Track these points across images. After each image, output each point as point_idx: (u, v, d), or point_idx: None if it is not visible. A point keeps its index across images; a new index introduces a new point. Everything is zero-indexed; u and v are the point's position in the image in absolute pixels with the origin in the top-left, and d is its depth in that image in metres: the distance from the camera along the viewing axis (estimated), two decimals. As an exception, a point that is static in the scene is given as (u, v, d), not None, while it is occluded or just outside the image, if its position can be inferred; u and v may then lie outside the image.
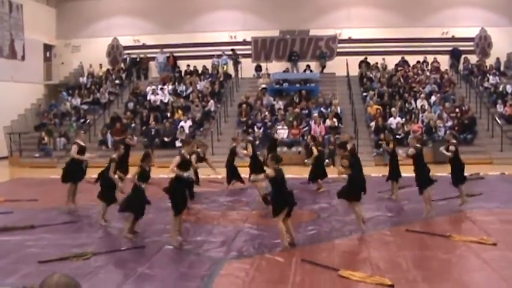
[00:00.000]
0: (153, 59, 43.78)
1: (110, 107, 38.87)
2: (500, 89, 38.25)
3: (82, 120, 37.09)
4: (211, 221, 16.75)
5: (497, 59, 42.57)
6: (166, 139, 33.71)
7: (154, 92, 38.48)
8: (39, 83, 42.22)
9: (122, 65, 44.20)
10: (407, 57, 42.57)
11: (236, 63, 42.74)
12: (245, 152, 22.01)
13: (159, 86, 39.43)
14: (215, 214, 17.89)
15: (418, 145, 18.09)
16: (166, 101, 38.04)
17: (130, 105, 37.93)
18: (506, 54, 43.03)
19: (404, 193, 20.67)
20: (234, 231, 15.25)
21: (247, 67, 42.80)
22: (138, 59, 43.77)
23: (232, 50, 43.07)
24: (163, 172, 25.85)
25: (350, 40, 43.41)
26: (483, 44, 43.79)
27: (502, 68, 42.30)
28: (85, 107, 38.80)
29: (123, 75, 43.08)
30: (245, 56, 43.46)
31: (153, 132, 34.27)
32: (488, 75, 40.52)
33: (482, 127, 34.62)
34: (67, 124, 37.17)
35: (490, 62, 42.67)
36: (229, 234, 14.95)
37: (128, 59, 44.05)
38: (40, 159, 33.96)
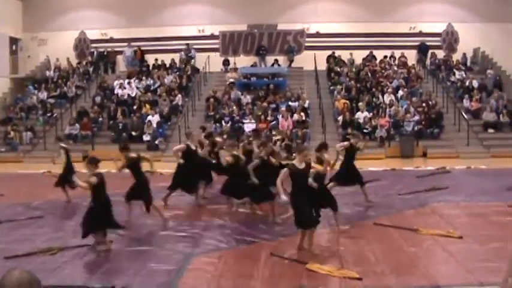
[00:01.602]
0: (120, 52, 43.42)
1: (77, 101, 38.54)
2: (467, 84, 38.54)
3: (49, 114, 36.76)
4: (179, 215, 16.68)
5: (464, 54, 42.89)
6: (133, 133, 33.55)
7: (121, 86, 38.26)
8: (5, 77, 41.73)
9: (89, 59, 43.83)
10: (375, 52, 42.68)
11: (189, 59, 42.53)
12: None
13: (127, 80, 39.19)
14: (184, 208, 17.83)
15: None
16: (133, 95, 37.85)
17: (98, 99, 37.69)
18: (473, 49, 43.35)
19: (371, 187, 20.75)
20: (203, 226, 15.21)
21: (215, 61, 42.61)
22: (105, 53, 43.43)
23: (186, 44, 42.87)
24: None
25: (318, 34, 43.41)
26: (450, 39, 44.05)
27: (468, 63, 42.64)
28: (52, 100, 38.44)
29: (91, 69, 42.75)
30: (213, 50, 43.29)
31: (120, 127, 34.11)
32: (454, 70, 40.81)
33: (448, 121, 34.86)
34: (33, 118, 36.85)
35: (456, 57, 42.93)
36: (198, 228, 14.90)
37: (95, 52, 43.70)
38: (6, 153, 33.59)
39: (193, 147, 18.66)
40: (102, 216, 12.82)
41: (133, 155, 15.77)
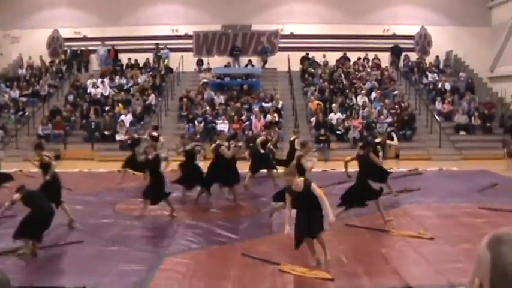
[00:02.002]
0: (94, 51, 43.19)
1: (50, 100, 38.26)
2: (439, 86, 38.81)
3: (21, 113, 36.46)
4: (151, 215, 16.61)
5: (437, 57, 43.21)
6: (106, 132, 33.39)
7: (94, 85, 38.07)
8: (-23, 74, 41.47)
9: (63, 57, 43.55)
10: (348, 54, 42.83)
11: (159, 58, 42.40)
12: None
13: (100, 79, 38.99)
14: (155, 208, 17.76)
15: None
16: (106, 94, 37.67)
17: (70, 98, 37.44)
18: (446, 52, 43.68)
19: (343, 188, 20.81)
20: (175, 226, 15.18)
21: (189, 61, 42.52)
22: (78, 52, 43.19)
23: (156, 44, 42.76)
24: (104, 166, 25.74)
25: (292, 36, 43.47)
26: (423, 42, 44.32)
27: (441, 66, 42.97)
28: (24, 99, 38.13)
29: (64, 68, 42.48)
30: (187, 50, 43.20)
31: (93, 126, 33.93)
32: (427, 72, 41.07)
33: (421, 123, 35.07)
34: (5, 116, 36.49)
35: (429, 59, 43.25)
36: (170, 228, 14.88)
37: (68, 51, 43.44)
38: (-23, 152, 33.31)
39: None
40: (37, 226, 12.37)
41: (46, 154, 15.47)
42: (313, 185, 11.12)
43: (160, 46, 42.80)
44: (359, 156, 16.04)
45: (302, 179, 11.37)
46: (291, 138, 23.35)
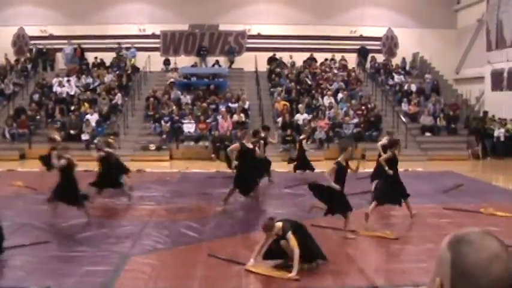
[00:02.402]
0: (60, 50, 42.83)
1: (15, 99, 37.86)
2: (405, 87, 39.10)
3: (-15, 112, 36.14)
4: (116, 215, 16.52)
5: (403, 58, 43.52)
6: (72, 132, 33.09)
7: (60, 84, 37.75)
8: None
9: (28, 56, 43.13)
10: (315, 55, 42.96)
11: (120, 57, 42.20)
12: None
13: (66, 78, 38.67)
14: (121, 208, 17.68)
15: None
16: (72, 93, 37.36)
17: (36, 96, 37.06)
18: (412, 54, 44.03)
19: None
20: (140, 226, 15.09)
21: (156, 61, 42.36)
22: (44, 50, 42.80)
23: (118, 43, 42.56)
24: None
25: (259, 36, 43.52)
26: (390, 43, 44.61)
27: (407, 68, 43.29)
28: (-12, 97, 37.81)
29: (29, 66, 42.07)
30: (154, 49, 43.05)
31: (58, 125, 33.61)
32: (394, 74, 41.32)
33: (387, 124, 35.19)
34: (-30, 115, 36.16)
35: (396, 61, 43.53)
36: (135, 228, 14.79)
37: (34, 49, 43.05)
38: None
39: (249, 146, 18.12)
40: None
41: None
42: (290, 234, 11.01)
43: (127, 45, 42.57)
44: (394, 156, 16.16)
45: (281, 224, 11.29)
46: (300, 137, 23.64)
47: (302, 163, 24.55)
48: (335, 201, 13.99)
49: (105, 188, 18.10)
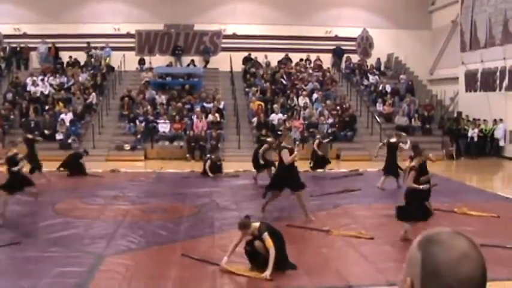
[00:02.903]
0: (34, 49, 42.53)
1: (-12, 98, 37.60)
2: (380, 88, 39.26)
3: (-43, 111, 35.77)
4: (91, 216, 16.40)
5: (378, 59, 43.69)
6: (46, 132, 32.85)
7: (34, 83, 37.48)
8: None
9: (2, 54, 42.74)
10: (290, 55, 43.01)
11: (90, 57, 41.98)
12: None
13: (40, 77, 38.39)
14: (95, 208, 17.56)
15: None
16: (46, 92, 37.10)
17: (9, 96, 36.75)
18: (387, 54, 44.23)
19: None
20: (114, 226, 15.00)
21: (131, 60, 42.17)
22: (18, 49, 42.47)
23: (87, 43, 42.32)
24: (44, 166, 25.30)
25: (234, 36, 43.46)
26: (365, 44, 44.76)
27: (382, 68, 43.46)
28: (-39, 97, 37.44)
29: (3, 65, 41.69)
30: (129, 49, 42.87)
31: (32, 125, 33.35)
32: (368, 74, 41.46)
33: (362, 125, 35.38)
34: None
35: (371, 61, 43.71)
36: (109, 229, 14.70)
37: (7, 48, 42.69)
38: None
39: (289, 147, 17.96)
40: None
41: None
42: (266, 235, 10.98)
43: (101, 45, 42.32)
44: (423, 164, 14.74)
45: (258, 224, 11.26)
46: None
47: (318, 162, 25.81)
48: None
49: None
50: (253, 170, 23.39)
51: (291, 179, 16.26)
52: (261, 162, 22.03)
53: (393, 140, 22.61)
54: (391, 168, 21.84)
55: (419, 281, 2.03)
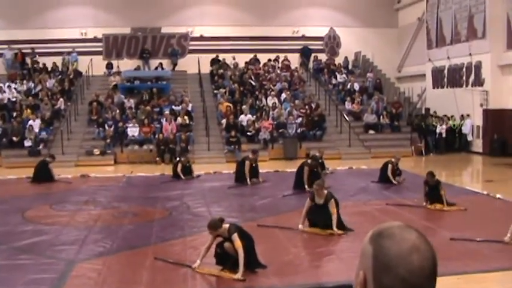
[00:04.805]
0: (0, 55, 42.19)
1: (-46, 106, 37.21)
2: (348, 86, 39.45)
3: None
4: (61, 222, 16.31)
5: (346, 57, 43.91)
6: (14, 139, 32.57)
7: (1, 90, 37.17)
8: None
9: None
10: (259, 56, 43.04)
11: (34, 63, 41.69)
12: None
13: (7, 84, 38.07)
14: (65, 214, 17.47)
15: None
16: (14, 99, 36.80)
17: (-24, 103, 36.50)
18: (354, 53, 44.45)
19: (254, 189, 21.16)
20: (86, 232, 14.92)
21: (98, 65, 41.95)
22: (-17, 55, 42.14)
23: (31, 49, 42.01)
24: (12, 173, 25.19)
25: (202, 38, 43.42)
26: (332, 43, 44.93)
27: (350, 67, 43.61)
28: None
29: (-32, 72, 41.32)
30: (96, 53, 42.64)
31: (0, 132, 33.10)
32: (336, 73, 41.61)
33: (331, 123, 35.52)
34: None
35: (338, 60, 43.88)
36: (81, 234, 14.63)
37: (-27, 55, 42.33)
38: None
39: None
40: None
41: None
42: (235, 236, 11.02)
43: (69, 49, 42.05)
44: None
45: (227, 226, 11.30)
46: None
47: None
48: None
49: None
50: (224, 172, 23.56)
51: None
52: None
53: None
54: None
55: (371, 273, 2.09)
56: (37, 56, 41.97)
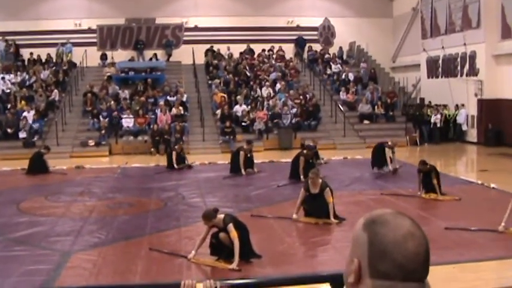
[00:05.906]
0: (-6, 47, 42.08)
1: None
2: (343, 76, 39.42)
3: None
4: (56, 213, 16.31)
5: (340, 48, 43.85)
6: (9, 130, 32.52)
7: (-5, 82, 37.12)
8: None
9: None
10: (253, 46, 42.99)
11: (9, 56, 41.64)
12: None
13: (1, 75, 37.96)
14: (61, 206, 17.47)
15: None
16: (8, 90, 36.71)
17: (-30, 95, 36.42)
18: (349, 43, 44.42)
19: (249, 179, 21.19)
20: (81, 222, 14.94)
21: (93, 56, 41.86)
22: (-23, 47, 42.02)
23: (8, 40, 41.72)
24: (7, 164, 25.18)
25: (196, 28, 43.35)
26: (327, 33, 44.88)
27: (344, 57, 43.60)
28: None
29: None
30: (90, 44, 42.54)
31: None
32: (331, 63, 41.58)
33: (325, 114, 35.51)
34: None
35: (333, 50, 43.83)
36: (76, 225, 14.64)
37: (-34, 46, 42.21)
38: None
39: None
40: None
41: None
42: (230, 226, 11.04)
43: (64, 41, 41.95)
44: None
45: (222, 216, 11.31)
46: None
47: None
48: None
49: None
50: (217, 162, 23.62)
51: None
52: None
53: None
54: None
55: (366, 260, 2.09)
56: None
